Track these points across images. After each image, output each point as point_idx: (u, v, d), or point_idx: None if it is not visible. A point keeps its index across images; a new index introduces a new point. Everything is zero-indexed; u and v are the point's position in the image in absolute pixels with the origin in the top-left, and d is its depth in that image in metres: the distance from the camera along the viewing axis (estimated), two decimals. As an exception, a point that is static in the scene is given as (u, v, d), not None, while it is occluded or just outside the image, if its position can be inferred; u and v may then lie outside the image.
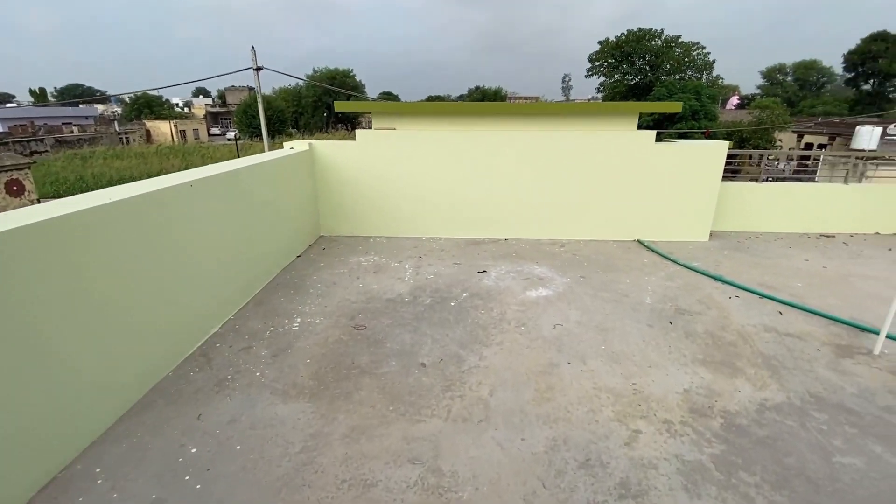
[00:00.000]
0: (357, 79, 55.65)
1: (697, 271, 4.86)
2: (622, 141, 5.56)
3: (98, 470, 2.22)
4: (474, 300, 4.12)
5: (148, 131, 48.34)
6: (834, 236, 6.30)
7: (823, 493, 2.11)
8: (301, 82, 47.66)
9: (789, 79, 62.68)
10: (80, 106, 54.16)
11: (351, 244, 5.67)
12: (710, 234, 6.01)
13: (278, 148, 5.71)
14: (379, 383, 2.89)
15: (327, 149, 5.69)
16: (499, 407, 2.68)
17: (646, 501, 2.06)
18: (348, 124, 51.51)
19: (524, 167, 5.67)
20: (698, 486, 2.15)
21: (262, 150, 18.48)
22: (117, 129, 44.61)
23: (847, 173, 6.82)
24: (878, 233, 6.48)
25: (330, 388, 2.84)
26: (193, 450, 2.34)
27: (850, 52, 49.62)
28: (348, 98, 37.99)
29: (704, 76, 40.37)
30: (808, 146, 30.26)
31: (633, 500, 2.07)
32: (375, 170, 5.73)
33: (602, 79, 43.52)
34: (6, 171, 13.72)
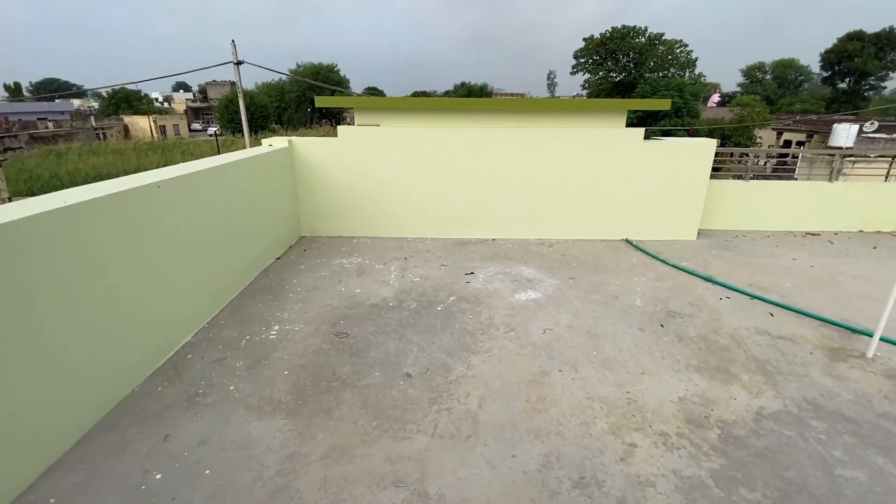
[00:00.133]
0: (341, 74, 54.97)
1: (687, 271, 4.79)
2: (610, 138, 5.46)
3: (52, 501, 2.02)
4: (462, 304, 3.98)
5: (126, 127, 47.00)
6: (819, 234, 6.31)
7: (827, 510, 2.03)
8: (284, 77, 46.81)
9: (768, 77, 63.79)
10: (56, 101, 52.56)
11: (333, 245, 5.47)
12: (698, 233, 5.96)
13: (259, 144, 5.47)
14: (361, 396, 2.73)
15: (308, 146, 5.47)
16: (488, 421, 2.54)
17: (644, 523, 1.95)
18: (333, 120, 50.87)
19: (512, 165, 5.53)
20: (698, 505, 2.04)
21: (244, 147, 18.08)
22: (94, 124, 43.28)
23: (832, 171, 6.84)
24: (861, 230, 6.51)
25: (309, 402, 2.67)
26: (158, 476, 2.15)
27: (827, 52, 50.64)
28: (332, 93, 37.38)
29: (687, 74, 40.75)
30: (787, 143, 30.79)
31: (631, 522, 1.96)
32: (359, 168, 5.54)
33: (587, 76, 43.65)
34: (-28, 168, 13.10)
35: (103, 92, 59.61)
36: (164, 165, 3.81)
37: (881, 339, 3.27)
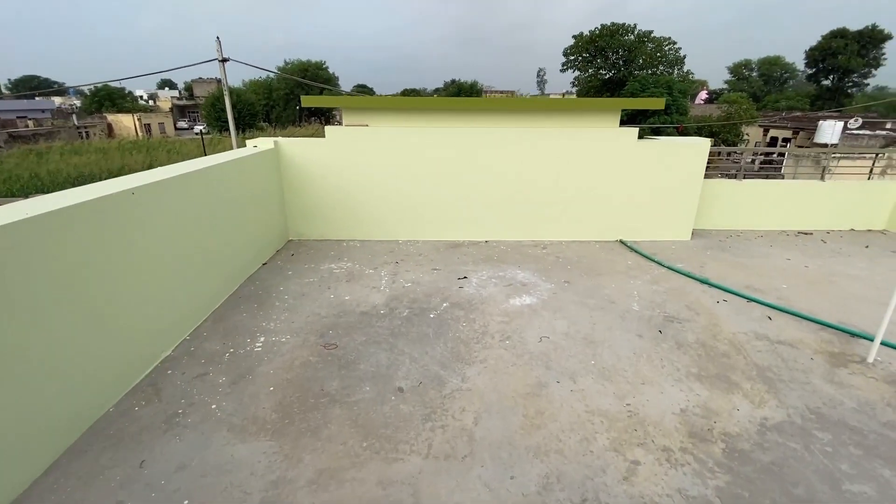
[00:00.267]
0: (330, 71, 54.38)
1: (683, 274, 4.72)
2: (604, 138, 5.37)
3: (15, 537, 1.87)
4: (455, 311, 3.86)
5: (110, 125, 46.06)
6: (811, 233, 6.30)
7: (838, 530, 1.95)
8: (272, 75, 46.19)
9: (755, 74, 64.42)
10: (37, 98, 51.34)
11: (322, 249, 5.32)
12: (692, 233, 5.91)
13: (246, 143, 5.29)
14: (351, 414, 2.60)
15: (295, 147, 5.30)
16: (485, 438, 2.43)
17: (651, 550, 1.85)
18: (322, 117, 50.34)
19: (504, 165, 5.42)
20: (706, 528, 1.95)
21: (231, 145, 17.77)
22: (76, 122, 42.35)
23: (823, 170, 6.83)
24: (852, 229, 6.51)
25: (295, 421, 2.53)
26: (133, 507, 2.01)
27: (812, 49, 51.25)
28: (321, 91, 36.94)
29: (675, 71, 40.98)
30: (774, 139, 31.11)
31: (637, 548, 1.86)
32: (347, 169, 5.38)
33: (577, 73, 43.71)
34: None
35: (86, 90, 58.43)
36: (149, 164, 3.63)
37: (883, 343, 3.21)
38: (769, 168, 13.70)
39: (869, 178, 6.94)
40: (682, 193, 5.63)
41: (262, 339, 3.38)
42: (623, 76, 39.47)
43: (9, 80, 76.90)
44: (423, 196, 5.52)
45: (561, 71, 45.05)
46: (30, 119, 40.01)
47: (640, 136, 5.44)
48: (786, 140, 29.59)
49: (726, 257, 5.26)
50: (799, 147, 25.51)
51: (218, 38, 15.44)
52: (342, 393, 2.78)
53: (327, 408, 2.65)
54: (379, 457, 2.29)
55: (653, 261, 5.07)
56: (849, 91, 51.74)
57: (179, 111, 60.39)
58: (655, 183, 5.53)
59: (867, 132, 23.15)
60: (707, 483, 2.17)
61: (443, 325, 3.61)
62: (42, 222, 2.22)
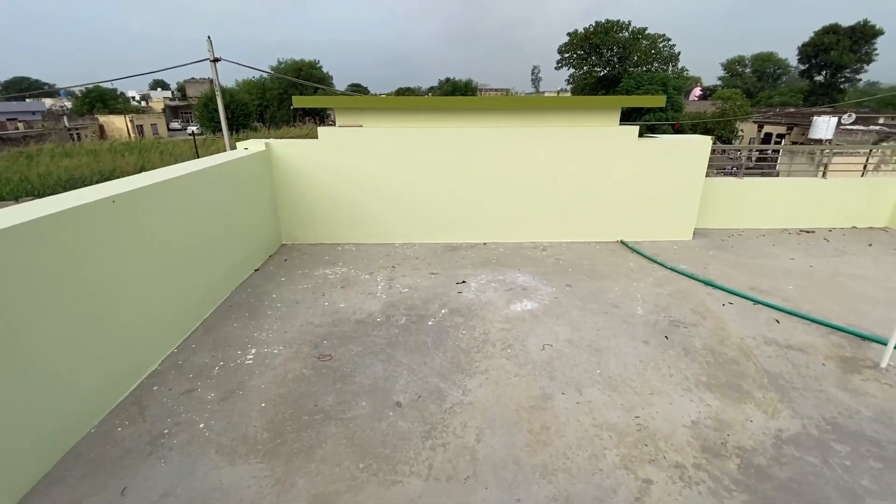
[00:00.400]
0: (324, 70, 54.08)
1: (686, 275, 4.61)
2: (604, 137, 5.25)
3: (-15, 576, 1.73)
4: (454, 318, 3.73)
5: (101, 127, 45.60)
6: (813, 231, 6.21)
7: (864, 553, 1.84)
8: (265, 74, 45.86)
9: (748, 70, 64.60)
10: (27, 100, 50.74)
11: (316, 254, 5.18)
12: (694, 233, 5.81)
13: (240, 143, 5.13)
14: (347, 432, 2.47)
15: (287, 148, 5.15)
16: (488, 457, 2.30)
17: (668, 580, 1.73)
18: (317, 117, 50.03)
19: (502, 165, 5.29)
20: (725, 554, 1.83)
21: (224, 146, 17.57)
22: (67, 124, 41.86)
23: (824, 167, 6.75)
24: (855, 227, 6.43)
25: (288, 441, 2.40)
26: (112, 540, 1.87)
27: (804, 45, 51.44)
28: (315, 91, 36.67)
29: (670, 68, 41.01)
30: (768, 135, 31.17)
31: (654, 578, 1.74)
32: (342, 171, 5.24)
33: (571, 70, 43.66)
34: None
35: (77, 91, 57.79)
36: (142, 166, 3.48)
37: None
38: (763, 165, 13.67)
39: (863, 175, 6.87)
40: (683, 192, 5.52)
41: (253, 350, 3.24)
42: (618, 73, 39.46)
43: (-2, 81, 76.06)
44: (420, 198, 5.39)
45: (556, 68, 45.03)
46: (20, 121, 39.47)
47: (640, 135, 5.33)
48: (780, 136, 29.65)
49: (729, 257, 5.16)
50: (794, 143, 25.57)
51: (209, 37, 15.22)
52: (337, 409, 2.64)
53: (321, 425, 2.51)
54: (377, 479, 2.16)
55: (655, 262, 4.96)
56: (841, 87, 51.98)
57: (172, 112, 59.90)
58: (656, 182, 5.42)
59: (860, 127, 23.22)
60: (724, 503, 2.06)
61: (442, 333, 3.48)
62: (13, 234, 2.08)
